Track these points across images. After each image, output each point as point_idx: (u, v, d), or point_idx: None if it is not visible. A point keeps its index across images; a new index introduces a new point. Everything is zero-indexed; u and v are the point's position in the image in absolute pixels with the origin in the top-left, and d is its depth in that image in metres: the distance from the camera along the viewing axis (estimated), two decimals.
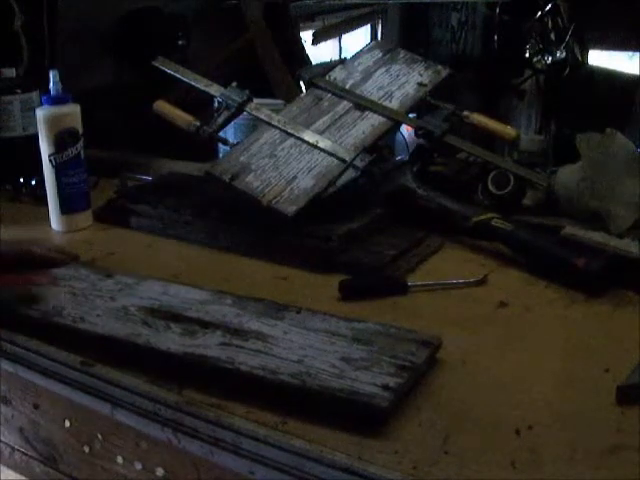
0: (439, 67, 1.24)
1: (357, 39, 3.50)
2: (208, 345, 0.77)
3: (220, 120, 1.19)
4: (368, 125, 1.15)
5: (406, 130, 1.32)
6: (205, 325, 0.81)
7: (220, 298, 0.87)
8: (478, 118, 1.17)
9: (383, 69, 1.24)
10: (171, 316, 0.82)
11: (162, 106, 1.24)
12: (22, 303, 0.86)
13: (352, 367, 0.72)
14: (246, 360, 0.73)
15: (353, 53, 1.30)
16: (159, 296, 0.87)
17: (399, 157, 1.28)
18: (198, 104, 1.30)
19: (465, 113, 1.17)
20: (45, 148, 1.13)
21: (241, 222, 1.07)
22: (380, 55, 1.27)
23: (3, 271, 0.88)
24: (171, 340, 0.78)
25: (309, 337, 0.78)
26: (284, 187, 1.05)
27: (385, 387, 0.68)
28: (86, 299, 0.87)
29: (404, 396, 0.69)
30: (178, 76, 1.27)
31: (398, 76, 1.23)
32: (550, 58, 3.27)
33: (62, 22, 1.60)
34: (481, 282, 0.93)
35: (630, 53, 3.48)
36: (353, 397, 0.67)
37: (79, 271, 0.95)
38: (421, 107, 1.20)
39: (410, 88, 1.20)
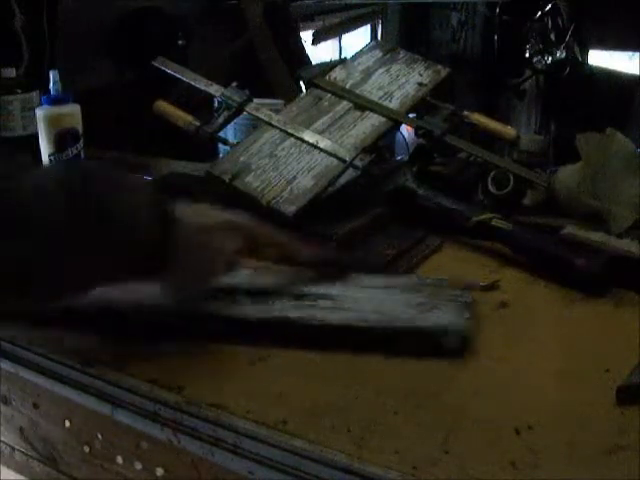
0: (439, 67, 1.24)
1: (357, 39, 3.50)
2: (286, 309, 0.79)
3: (220, 120, 1.19)
4: (368, 125, 1.15)
5: (406, 130, 1.32)
6: (264, 294, 0.82)
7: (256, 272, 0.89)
8: (478, 118, 1.17)
9: (383, 69, 1.24)
10: (227, 291, 0.83)
11: (162, 106, 1.24)
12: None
13: (422, 310, 0.78)
14: (330, 316, 0.77)
15: (353, 53, 1.30)
16: None
17: (399, 157, 1.28)
18: (197, 104, 1.30)
19: (465, 113, 1.17)
20: (45, 148, 1.13)
21: None
22: (380, 55, 1.27)
23: None
24: (249, 310, 0.79)
25: (366, 292, 0.83)
26: (284, 187, 1.05)
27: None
28: None
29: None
30: (178, 76, 1.27)
31: (398, 76, 1.22)
32: (550, 58, 3.28)
33: (62, 22, 1.60)
34: (490, 288, 0.92)
35: (630, 53, 3.48)
36: (442, 330, 0.75)
37: None
38: (421, 107, 1.20)
39: (410, 88, 1.20)
